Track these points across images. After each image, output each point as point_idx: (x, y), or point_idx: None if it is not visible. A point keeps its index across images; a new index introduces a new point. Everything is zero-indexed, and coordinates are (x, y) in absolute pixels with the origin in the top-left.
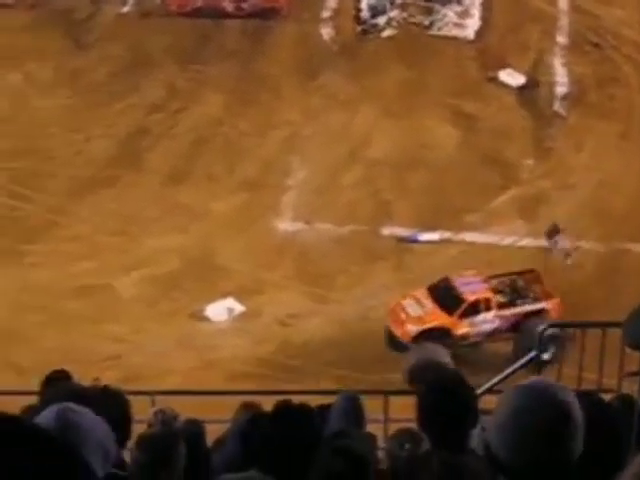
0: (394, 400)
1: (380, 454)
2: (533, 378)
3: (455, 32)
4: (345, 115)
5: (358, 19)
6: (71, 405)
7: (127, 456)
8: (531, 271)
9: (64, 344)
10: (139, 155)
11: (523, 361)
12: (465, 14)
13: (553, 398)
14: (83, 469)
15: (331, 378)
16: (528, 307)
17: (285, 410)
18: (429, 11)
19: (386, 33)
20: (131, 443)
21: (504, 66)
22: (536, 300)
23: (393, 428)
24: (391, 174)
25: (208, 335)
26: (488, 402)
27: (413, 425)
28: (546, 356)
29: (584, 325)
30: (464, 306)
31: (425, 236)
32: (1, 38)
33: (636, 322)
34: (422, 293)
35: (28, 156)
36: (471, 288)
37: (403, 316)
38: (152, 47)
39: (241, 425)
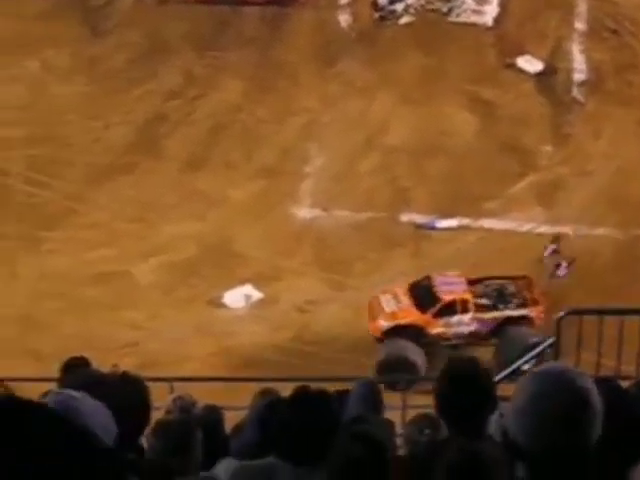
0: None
1: (398, 440)
2: (551, 363)
3: (473, 19)
4: (363, 102)
5: (376, 6)
6: (71, 392)
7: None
8: (524, 277)
9: (82, 331)
10: (157, 142)
11: (541, 347)
12: (483, 1)
13: (571, 383)
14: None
15: (348, 365)
16: (508, 313)
17: (303, 396)
18: None
19: (404, 20)
20: (149, 430)
21: (522, 53)
22: (520, 306)
23: (411, 415)
24: (409, 161)
25: (226, 322)
26: (506, 389)
27: (431, 411)
28: (526, 366)
29: (602, 312)
30: (439, 305)
31: (443, 223)
32: (18, 25)
33: None
34: (402, 290)
35: (46, 143)
36: (450, 288)
37: (377, 311)
38: (170, 34)
39: (259, 411)
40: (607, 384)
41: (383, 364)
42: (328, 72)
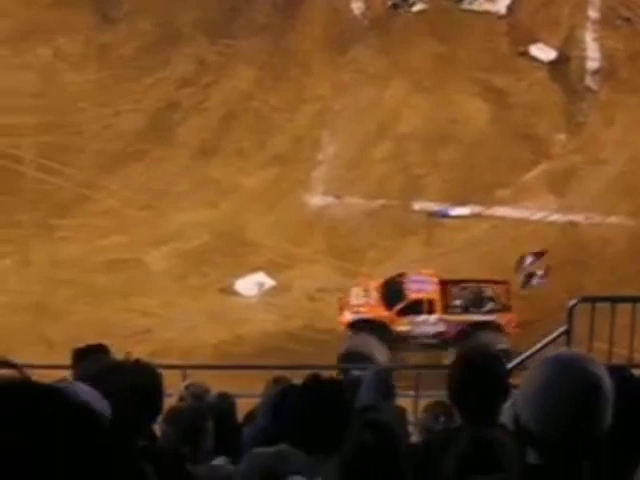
0: (425, 375)
1: (410, 428)
2: (562, 350)
3: (486, 7)
4: (375, 90)
5: None
6: (67, 382)
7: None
8: (504, 282)
9: (95, 318)
10: (169, 129)
11: (554, 335)
12: None
13: (582, 370)
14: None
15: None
16: (476, 317)
17: (315, 384)
18: None
19: (417, 7)
20: (162, 417)
21: (535, 41)
22: (491, 312)
23: (423, 403)
24: (422, 149)
25: (238, 309)
26: (518, 377)
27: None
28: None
29: (615, 299)
30: (404, 303)
31: (456, 211)
32: (30, 13)
33: None
34: (374, 284)
35: (58, 130)
36: (419, 287)
37: (345, 302)
38: (182, 21)
39: (271, 399)
40: (619, 372)
41: (342, 357)
42: (341, 60)
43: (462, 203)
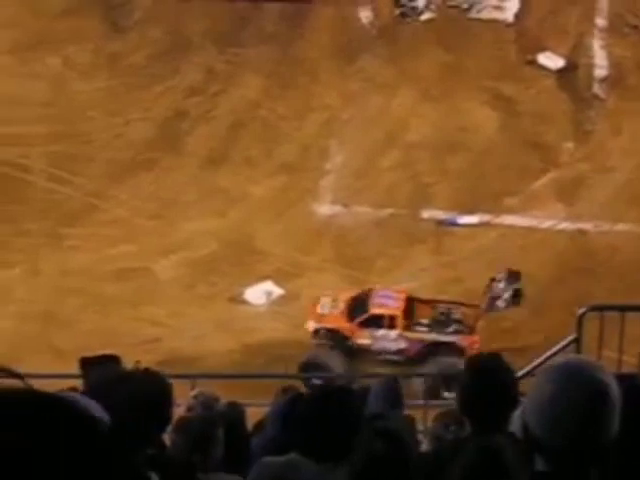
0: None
1: (420, 437)
2: (570, 357)
3: (494, 15)
4: (383, 98)
5: (397, 2)
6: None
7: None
8: (474, 305)
9: (103, 327)
10: (177, 138)
11: (563, 343)
12: None
13: (590, 377)
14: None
15: (370, 361)
16: (437, 337)
17: (324, 392)
18: None
19: (425, 16)
20: (171, 426)
21: (543, 49)
22: (454, 333)
23: (432, 412)
24: (430, 157)
25: (247, 318)
26: (527, 385)
27: (451, 408)
28: (447, 394)
29: (624, 308)
30: (365, 316)
31: (464, 219)
32: (40, 22)
33: None
34: (345, 296)
35: (67, 139)
36: (383, 302)
37: (312, 311)
38: (191, 30)
39: (280, 408)
40: (628, 380)
41: (301, 367)
42: (348, 69)
43: (471, 211)
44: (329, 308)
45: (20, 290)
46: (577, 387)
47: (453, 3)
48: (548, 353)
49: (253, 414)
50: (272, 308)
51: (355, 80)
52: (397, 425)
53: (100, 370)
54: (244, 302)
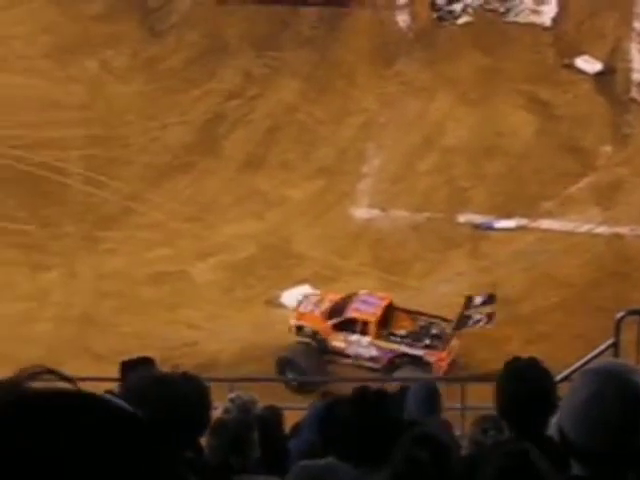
0: (471, 387)
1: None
2: (607, 361)
3: (531, 19)
4: (421, 102)
5: (434, 6)
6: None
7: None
8: (451, 322)
9: (141, 330)
10: (215, 142)
11: (601, 348)
12: (541, 1)
13: (627, 380)
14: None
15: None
16: (406, 349)
17: (363, 396)
18: None
19: (462, 20)
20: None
21: (581, 53)
22: (424, 347)
23: (469, 415)
24: (467, 161)
25: (284, 322)
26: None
27: (489, 412)
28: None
29: None
30: (339, 319)
31: (501, 223)
32: (77, 25)
33: None
34: (331, 297)
35: (104, 143)
36: (361, 307)
37: (297, 308)
38: (228, 34)
39: (318, 411)
40: None
41: (276, 361)
42: (386, 72)
43: (507, 216)
44: (312, 307)
45: (57, 293)
46: (613, 391)
47: (490, 7)
48: (586, 357)
49: (291, 417)
50: None
51: (392, 84)
52: (436, 430)
53: (137, 373)
54: (281, 305)
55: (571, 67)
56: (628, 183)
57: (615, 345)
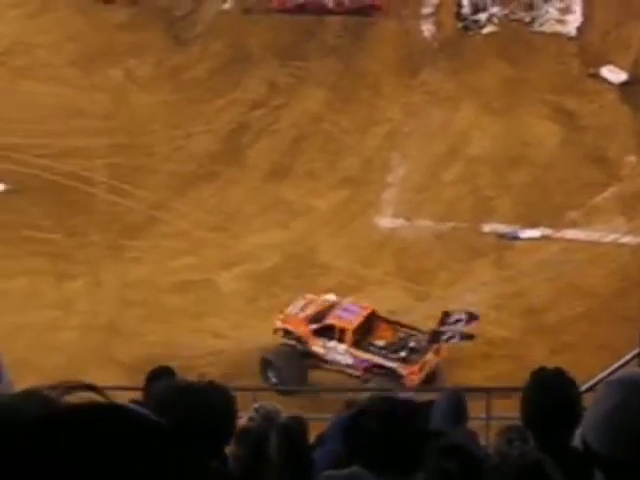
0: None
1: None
2: (631, 371)
3: (557, 28)
4: (445, 112)
5: (459, 15)
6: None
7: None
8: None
9: (166, 339)
10: (240, 151)
11: (627, 357)
12: (567, 10)
13: None
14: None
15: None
16: (379, 359)
17: (388, 406)
18: (530, 7)
19: (487, 30)
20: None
21: (606, 62)
22: (397, 360)
23: (494, 426)
24: (492, 171)
25: None
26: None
27: (514, 422)
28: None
29: None
30: (319, 324)
31: (526, 233)
32: (102, 34)
33: None
34: (319, 301)
35: (129, 152)
36: (341, 314)
37: (283, 309)
38: (253, 43)
39: (342, 420)
40: None
41: (259, 361)
42: (411, 82)
43: (532, 225)
44: (297, 310)
45: (83, 302)
46: (638, 401)
47: (515, 16)
48: (611, 367)
49: (316, 428)
50: None
51: (417, 93)
52: (464, 441)
53: (163, 382)
54: None
55: (596, 77)
56: None
57: None
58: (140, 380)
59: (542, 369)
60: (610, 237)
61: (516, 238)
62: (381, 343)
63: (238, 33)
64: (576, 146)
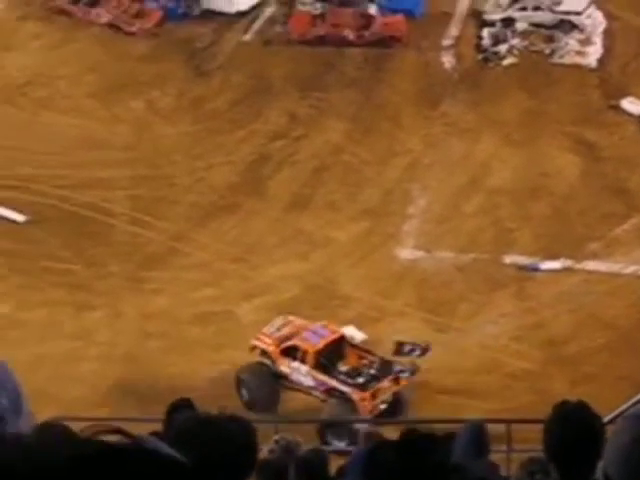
0: (516, 428)
1: None
2: None
3: (577, 60)
4: (466, 143)
5: (479, 47)
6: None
7: None
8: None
9: (186, 371)
10: (260, 182)
11: None
12: (587, 42)
13: None
14: None
15: (451, 407)
16: (335, 383)
17: (410, 439)
18: (551, 39)
19: (507, 61)
20: None
21: (626, 94)
22: (353, 386)
23: (515, 458)
24: (512, 202)
25: None
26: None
27: (536, 455)
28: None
29: None
30: (285, 345)
31: (547, 264)
32: (124, 66)
33: None
34: (297, 323)
35: (150, 183)
36: (308, 336)
37: (263, 329)
38: (273, 75)
39: (362, 453)
40: None
41: (234, 379)
42: (431, 113)
43: (553, 257)
44: (274, 330)
45: (102, 333)
46: None
47: (536, 48)
48: (633, 399)
49: (335, 458)
50: None
51: (437, 125)
52: (485, 474)
53: (183, 414)
54: None
55: (617, 109)
56: None
57: None
58: (159, 411)
59: (565, 402)
60: (630, 269)
61: (537, 270)
62: (344, 368)
63: (259, 65)
64: (596, 178)
